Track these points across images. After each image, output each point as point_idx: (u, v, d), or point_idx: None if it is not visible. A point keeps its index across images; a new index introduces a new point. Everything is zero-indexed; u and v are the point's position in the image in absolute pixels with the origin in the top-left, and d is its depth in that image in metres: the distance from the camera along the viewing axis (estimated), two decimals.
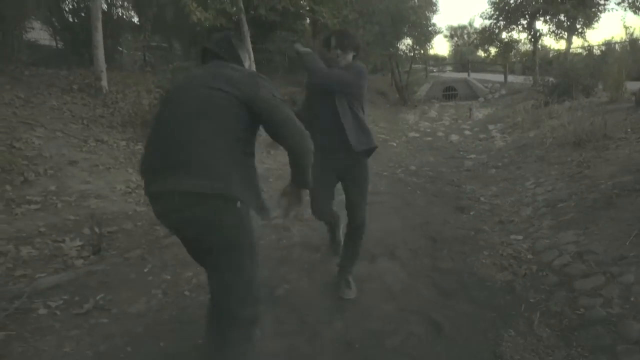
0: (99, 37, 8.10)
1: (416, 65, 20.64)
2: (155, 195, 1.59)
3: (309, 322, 2.34)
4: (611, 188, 3.80)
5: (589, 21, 16.77)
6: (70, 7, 11.05)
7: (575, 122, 6.78)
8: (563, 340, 2.11)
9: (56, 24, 10.59)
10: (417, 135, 9.95)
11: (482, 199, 4.66)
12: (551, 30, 17.31)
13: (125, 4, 11.93)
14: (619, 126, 5.90)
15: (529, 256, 3.08)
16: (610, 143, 5.30)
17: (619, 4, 16.05)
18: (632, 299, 2.24)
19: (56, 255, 3.11)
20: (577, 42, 17.66)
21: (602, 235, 3.00)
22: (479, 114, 13.54)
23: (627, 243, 2.77)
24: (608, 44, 17.98)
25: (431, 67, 27.95)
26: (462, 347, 2.11)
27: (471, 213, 4.22)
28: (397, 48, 16.76)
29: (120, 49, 11.22)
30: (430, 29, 16.92)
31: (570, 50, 17.15)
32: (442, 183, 5.43)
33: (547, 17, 16.78)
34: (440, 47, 32.78)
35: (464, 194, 4.89)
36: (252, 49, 10.58)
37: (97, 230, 3.25)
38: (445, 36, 37.43)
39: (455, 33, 34.18)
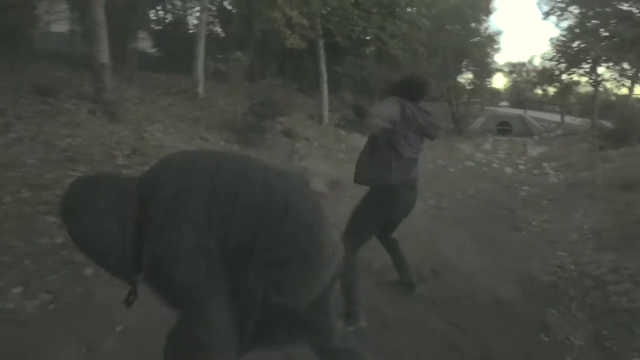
0: (201, 49, 9.36)
1: (473, 99, 21.24)
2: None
3: None
4: None
5: None
6: (170, 20, 12.56)
7: (627, 167, 7.33)
8: (593, 319, 2.85)
9: (158, 35, 12.09)
10: (473, 164, 10.62)
11: (533, 222, 5.36)
12: (613, 77, 17.55)
13: (212, 19, 13.35)
14: None
15: (572, 267, 3.80)
16: None
17: None
18: None
19: None
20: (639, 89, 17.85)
21: (636, 256, 3.68)
22: (533, 151, 14.00)
23: None
24: None
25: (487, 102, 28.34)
26: (517, 317, 2.88)
27: (523, 232, 4.95)
28: (457, 81, 17.51)
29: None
30: (491, 66, 17.58)
31: (633, 97, 17.36)
32: (498, 207, 6.15)
33: (610, 65, 17.07)
34: (498, 81, 33.13)
35: (518, 218, 5.60)
36: (325, 71, 11.69)
37: None
38: (504, 72, 37.72)
39: (514, 69, 34.36)
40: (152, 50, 12.33)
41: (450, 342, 2.49)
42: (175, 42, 12.01)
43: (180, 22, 12.14)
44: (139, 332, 2.27)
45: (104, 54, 6.73)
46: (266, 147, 7.87)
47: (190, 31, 11.95)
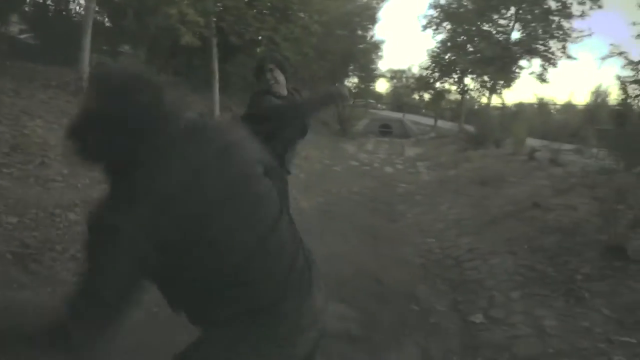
0: (87, 40, 8.86)
1: (358, 100, 22.59)
2: None
3: None
4: (497, 213, 5.38)
5: (507, 83, 19.60)
6: (52, 6, 11.51)
7: (484, 167, 8.59)
8: (452, 290, 3.49)
9: (32, 19, 11.03)
10: (357, 164, 11.46)
11: (408, 215, 6.12)
12: (476, 88, 19.98)
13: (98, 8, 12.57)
14: (514, 172, 7.69)
15: (437, 250, 4.52)
16: (505, 184, 7.01)
17: (530, 74, 19.03)
18: (492, 270, 3.70)
19: None
20: (498, 99, 20.55)
21: (487, 239, 4.49)
22: (411, 152, 15.41)
23: (499, 244, 4.27)
24: (520, 105, 21.04)
25: (371, 104, 30.24)
26: (394, 292, 3.40)
27: (400, 223, 5.65)
28: (344, 85, 18.54)
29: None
30: (375, 71, 18.93)
31: (491, 105, 19.95)
32: (378, 202, 6.85)
33: (474, 76, 19.41)
34: (380, 86, 35.73)
35: (395, 211, 6.33)
36: (217, 69, 11.73)
37: None
38: (386, 77, 40.52)
39: (395, 75, 37.12)
40: (24, 36, 11.22)
41: (340, 313, 2.91)
42: (54, 29, 11.07)
43: (60, 7, 11.18)
44: None
45: None
46: None
47: (74, 19, 11.08)
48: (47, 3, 10.98)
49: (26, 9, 10.66)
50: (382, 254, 4.22)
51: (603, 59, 14.53)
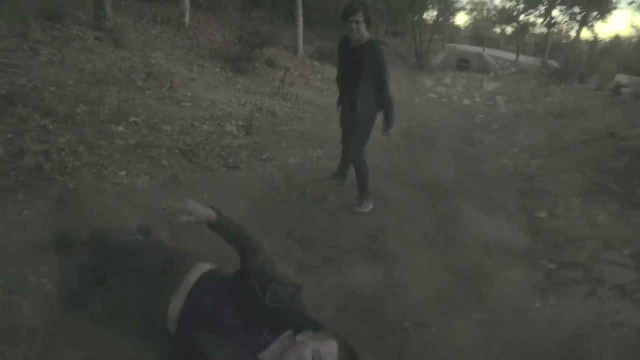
0: None
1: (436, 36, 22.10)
2: None
3: None
4: (571, 141, 5.82)
5: (602, 15, 18.33)
6: None
7: (564, 101, 8.74)
8: (521, 195, 4.18)
9: None
10: (435, 96, 11.82)
11: (485, 140, 6.68)
12: (564, 21, 18.88)
13: None
14: (594, 107, 7.85)
15: (511, 168, 5.13)
16: (582, 116, 7.26)
17: (630, 3, 17.64)
18: (559, 183, 4.31)
19: (225, 132, 5.07)
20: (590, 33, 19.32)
21: (557, 161, 5.03)
22: (489, 86, 15.34)
23: (569, 165, 4.82)
24: (615, 39, 19.59)
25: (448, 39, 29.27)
26: (473, 197, 4.15)
27: (477, 147, 6.25)
28: (423, 18, 18.29)
29: None
30: (454, 4, 18.41)
31: (582, 39, 18.88)
32: (457, 129, 7.42)
33: (564, 7, 18.31)
34: (460, 19, 34.09)
35: (473, 137, 6.90)
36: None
37: (249, 118, 5.23)
38: (465, 10, 38.47)
39: (475, 7, 35.14)
40: None
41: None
42: None
43: None
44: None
45: None
46: (255, 74, 8.69)
47: None
48: None
49: None
50: (460, 168, 4.93)
51: None
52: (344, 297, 2.40)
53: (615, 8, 18.12)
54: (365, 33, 3.26)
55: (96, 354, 1.68)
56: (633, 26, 24.78)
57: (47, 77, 5.19)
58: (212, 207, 1.52)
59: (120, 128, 4.29)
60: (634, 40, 21.29)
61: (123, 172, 3.54)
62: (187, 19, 9.91)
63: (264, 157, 4.54)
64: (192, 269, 1.51)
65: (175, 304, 1.42)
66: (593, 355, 1.98)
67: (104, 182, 3.26)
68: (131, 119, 4.62)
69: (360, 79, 3.34)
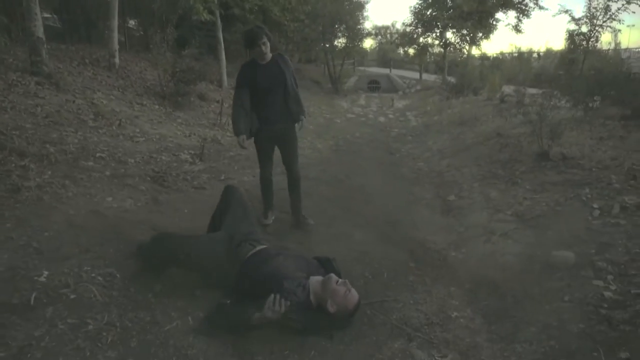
0: (115, 22, 10.16)
1: (347, 61, 23.83)
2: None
3: None
4: (470, 143, 7.15)
5: (486, 35, 21.04)
6: None
7: (463, 111, 10.32)
8: (436, 187, 5.27)
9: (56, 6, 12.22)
10: (353, 116, 13.12)
11: (402, 149, 7.88)
12: (456, 41, 21.42)
13: None
14: (486, 114, 9.42)
15: (426, 169, 6.29)
16: (477, 123, 8.75)
17: (506, 25, 20.57)
18: (463, 175, 5.48)
19: (182, 160, 5.72)
20: (478, 50, 22.02)
21: (460, 159, 6.26)
22: (399, 104, 17.04)
23: (469, 161, 6.05)
24: (500, 55, 22.52)
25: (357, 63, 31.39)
26: (394, 193, 5.16)
27: (397, 155, 7.42)
28: (334, 45, 19.84)
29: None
30: (362, 31, 20.20)
31: (474, 55, 21.50)
32: (377, 142, 8.60)
33: (455, 30, 20.83)
34: (367, 43, 36.83)
35: (392, 147, 8.09)
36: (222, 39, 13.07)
37: (201, 147, 5.91)
38: (370, 35, 41.43)
39: (379, 32, 38.12)
40: (49, 20, 12.46)
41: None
42: (75, 12, 12.34)
43: None
44: None
45: (40, 29, 7.52)
46: (191, 109, 9.34)
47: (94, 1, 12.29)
48: None
49: None
50: (385, 172, 6.00)
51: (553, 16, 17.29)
52: None
53: (495, 29, 20.89)
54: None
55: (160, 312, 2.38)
56: (512, 44, 28.38)
57: (5, 122, 5.53)
58: None
59: (91, 163, 4.81)
60: (514, 55, 24.56)
61: (110, 199, 4.11)
62: (117, 60, 10.30)
63: (222, 177, 5.28)
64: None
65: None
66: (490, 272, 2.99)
67: (98, 207, 3.83)
68: (97, 155, 5.13)
69: (287, 87, 3.56)
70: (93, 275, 2.66)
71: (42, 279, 2.52)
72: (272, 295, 2.24)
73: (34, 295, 2.31)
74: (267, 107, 3.60)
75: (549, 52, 27.01)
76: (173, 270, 2.66)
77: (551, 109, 5.27)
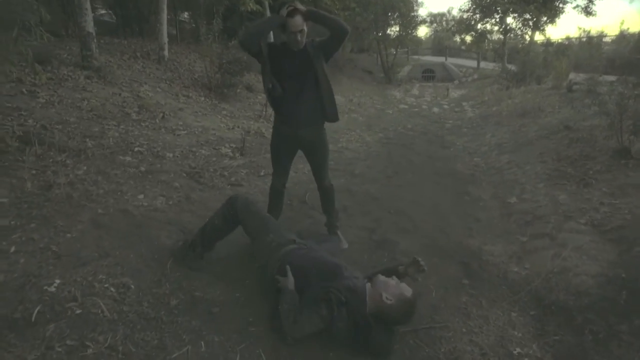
0: (164, 15, 10.17)
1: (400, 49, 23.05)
2: None
3: None
4: (533, 137, 6.46)
5: (551, 19, 19.56)
6: None
7: (524, 101, 9.49)
8: (494, 186, 4.73)
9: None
10: (406, 106, 12.51)
11: (457, 143, 7.28)
12: (518, 27, 20.07)
13: None
14: (551, 104, 8.59)
15: (483, 165, 5.71)
16: (542, 114, 7.97)
17: (575, 7, 18.95)
18: (525, 173, 4.89)
19: (222, 155, 5.50)
20: (542, 36, 20.54)
21: (522, 155, 5.63)
22: (455, 93, 16.18)
23: (533, 157, 5.42)
24: (566, 40, 20.90)
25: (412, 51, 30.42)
26: (450, 190, 4.67)
27: (451, 149, 6.84)
28: (387, 34, 19.18)
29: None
30: (416, 19, 19.37)
31: (537, 41, 20.05)
32: (430, 135, 8.03)
33: (516, 15, 19.50)
34: (421, 31, 35.62)
35: (446, 141, 7.50)
36: None
37: (242, 140, 5.67)
38: (425, 22, 40.05)
39: (435, 19, 36.75)
40: (104, 16, 12.79)
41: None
42: (128, 8, 12.55)
43: None
44: None
45: (90, 24, 7.58)
46: (237, 100, 9.18)
47: None
48: None
49: None
50: (438, 168, 5.49)
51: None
52: None
53: (562, 12, 19.34)
54: None
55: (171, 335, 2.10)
56: (579, 28, 26.32)
57: (50, 117, 5.54)
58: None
59: (128, 158, 4.68)
60: (583, 40, 22.68)
61: (141, 196, 3.92)
62: (166, 53, 10.33)
63: (262, 173, 5.01)
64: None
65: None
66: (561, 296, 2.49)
67: (127, 205, 3.65)
68: (135, 149, 5.01)
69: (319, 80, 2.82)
70: (106, 285, 2.43)
71: (52, 288, 2.32)
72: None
73: (37, 310, 2.10)
74: (289, 103, 2.90)
75: (622, 35, 24.81)
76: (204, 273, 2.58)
77: (635, 99, 4.51)
